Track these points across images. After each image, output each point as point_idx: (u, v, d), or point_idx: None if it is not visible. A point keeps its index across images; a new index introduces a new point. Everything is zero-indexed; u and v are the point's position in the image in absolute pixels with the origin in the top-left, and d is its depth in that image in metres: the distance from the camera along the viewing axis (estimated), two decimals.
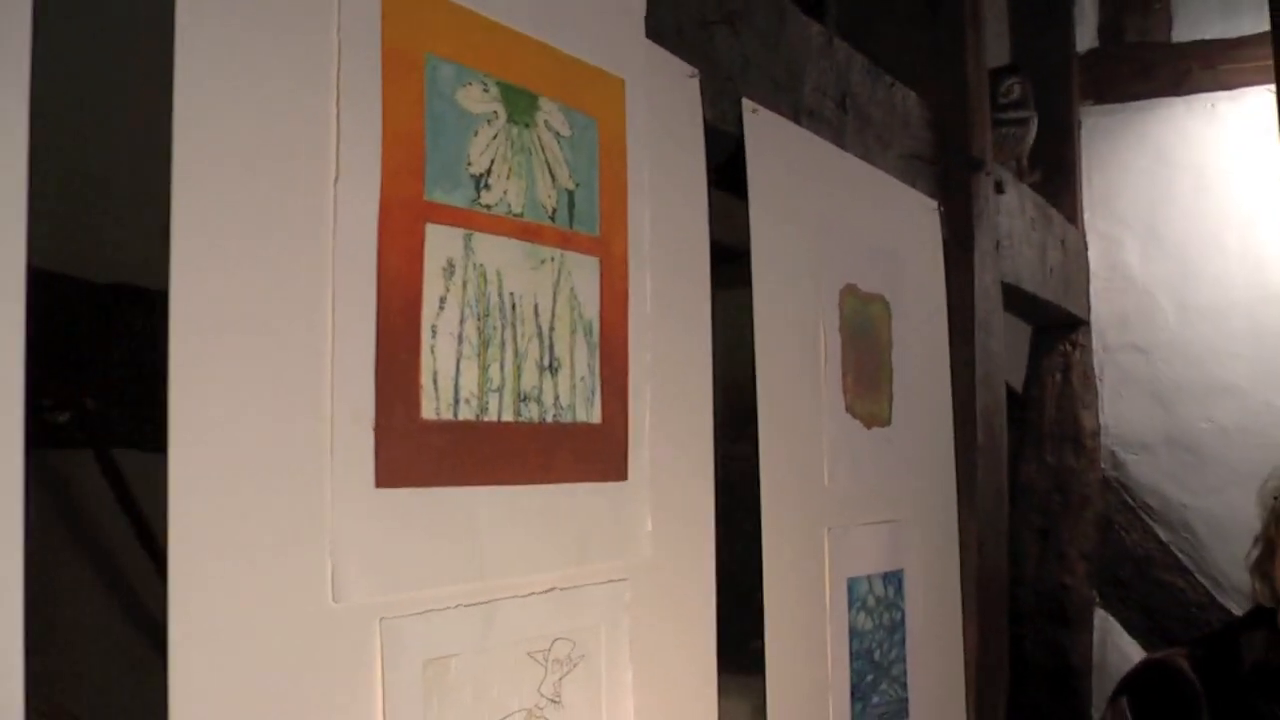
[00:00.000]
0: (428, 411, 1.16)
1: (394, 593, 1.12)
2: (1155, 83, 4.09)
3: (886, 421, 2.15)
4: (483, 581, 1.22)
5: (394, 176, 1.13)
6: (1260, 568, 2.12)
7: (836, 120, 2.10)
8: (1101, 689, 3.78)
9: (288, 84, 1.05)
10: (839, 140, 2.09)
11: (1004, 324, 3.28)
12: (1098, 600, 3.94)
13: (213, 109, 0.99)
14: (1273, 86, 3.37)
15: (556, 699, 1.32)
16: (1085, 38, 4.17)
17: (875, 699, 2.03)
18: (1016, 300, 3.26)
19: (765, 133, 1.82)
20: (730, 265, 1.74)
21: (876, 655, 2.04)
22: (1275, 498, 2.08)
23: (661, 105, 1.54)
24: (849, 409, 2.02)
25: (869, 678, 2.01)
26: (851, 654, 1.97)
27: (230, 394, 0.99)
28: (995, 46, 3.84)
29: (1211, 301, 3.92)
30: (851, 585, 1.98)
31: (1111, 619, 3.94)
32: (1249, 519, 2.19)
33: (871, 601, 2.04)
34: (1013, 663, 3.42)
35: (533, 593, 1.29)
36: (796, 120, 1.95)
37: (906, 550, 2.18)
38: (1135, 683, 2.13)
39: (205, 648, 0.96)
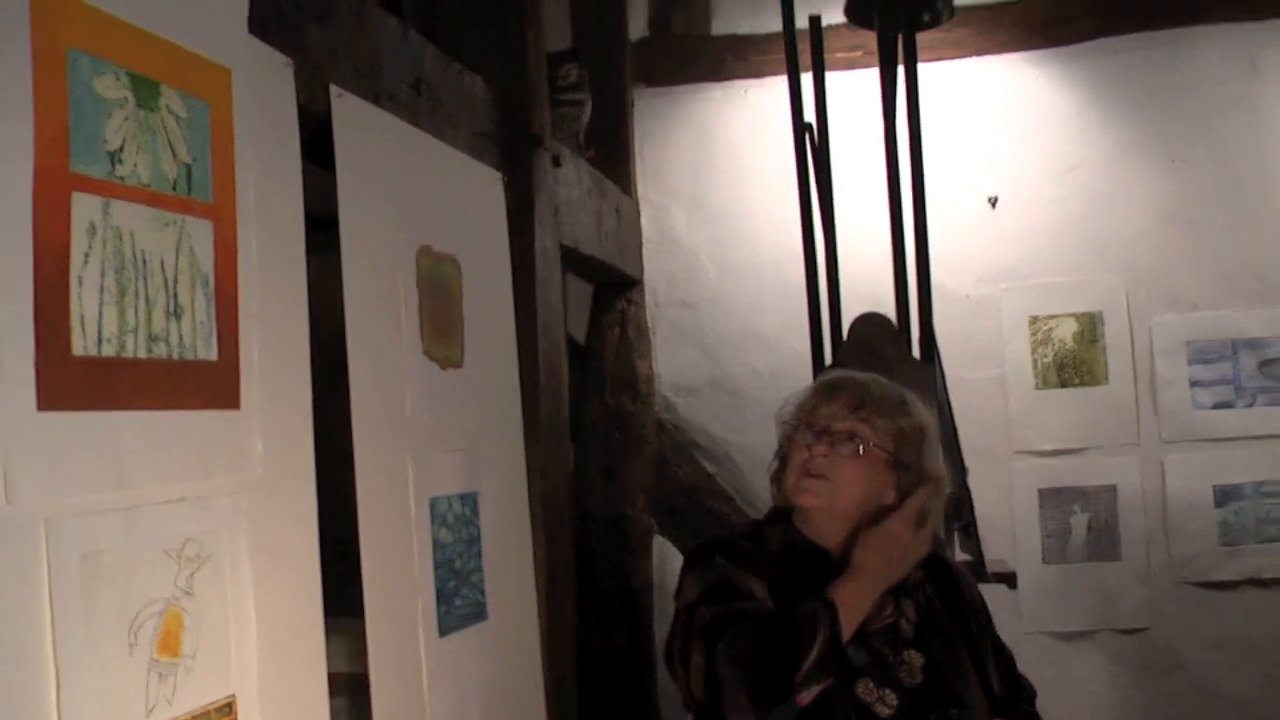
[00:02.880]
0: (77, 348, 1.40)
1: (56, 497, 1.36)
2: (698, 70, 4.62)
3: (460, 364, 2.48)
4: (126, 490, 1.47)
5: (45, 152, 1.36)
6: (777, 477, 2.57)
7: (412, 103, 2.41)
8: (661, 604, 4.27)
9: None
10: (414, 120, 2.40)
11: (568, 283, 3.68)
12: (655, 528, 4.43)
13: None
14: None
15: (189, 591, 1.58)
16: (637, 28, 4.64)
17: (458, 601, 2.36)
18: (577, 262, 3.66)
19: (350, 114, 2.11)
20: (323, 230, 2.02)
21: (457, 564, 2.38)
22: (784, 421, 2.53)
23: (262, 91, 1.81)
24: (426, 353, 2.34)
25: (451, 583, 2.35)
26: (435, 563, 2.29)
27: None
28: (558, 34, 4.23)
29: (746, 261, 4.47)
30: (433, 504, 2.30)
31: (668, 543, 4.44)
32: None
33: (451, 519, 2.37)
34: (585, 586, 3.84)
35: (167, 500, 1.55)
36: (377, 103, 2.25)
37: (480, 474, 2.52)
38: (712, 546, 2.42)
39: None
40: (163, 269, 1.56)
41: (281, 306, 1.84)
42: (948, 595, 2.52)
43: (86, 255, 1.42)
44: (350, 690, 2.12)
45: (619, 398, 4.37)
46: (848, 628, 2.22)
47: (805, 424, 2.41)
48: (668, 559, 4.42)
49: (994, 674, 2.48)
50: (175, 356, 1.57)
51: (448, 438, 2.40)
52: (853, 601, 2.24)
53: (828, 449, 2.36)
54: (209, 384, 1.65)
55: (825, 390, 2.46)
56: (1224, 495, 4.28)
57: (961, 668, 2.41)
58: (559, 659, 2.91)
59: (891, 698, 2.31)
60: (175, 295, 1.58)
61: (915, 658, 2.37)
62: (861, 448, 2.36)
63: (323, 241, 2.03)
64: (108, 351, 1.45)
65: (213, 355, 1.65)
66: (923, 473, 2.41)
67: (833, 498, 2.36)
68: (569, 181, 3.42)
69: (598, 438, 4.32)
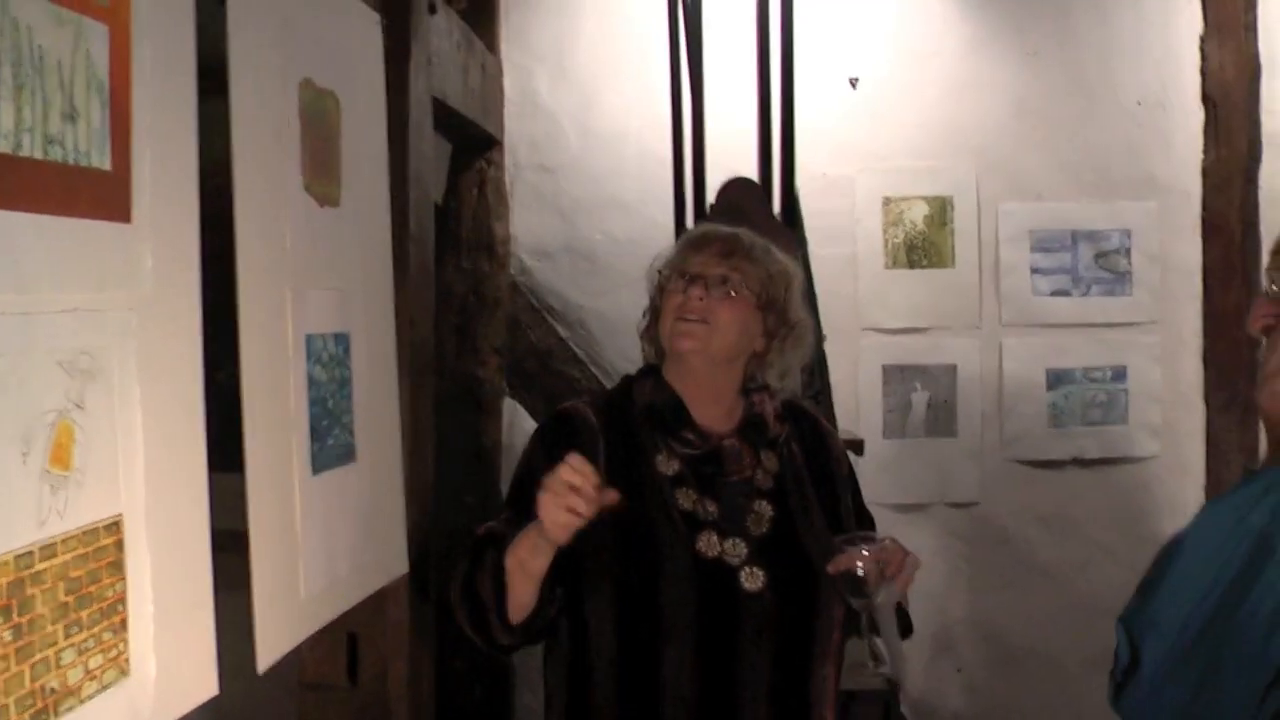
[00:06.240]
0: None
1: None
2: None
3: (337, 203, 2.43)
4: (23, 295, 1.42)
5: None
6: (648, 333, 2.61)
7: None
8: (509, 465, 4.30)
9: None
10: None
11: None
12: (506, 390, 4.45)
13: None
14: None
15: (81, 405, 1.54)
16: None
17: (330, 440, 2.35)
18: (442, 117, 3.60)
19: None
20: (212, 49, 1.96)
21: (330, 404, 2.36)
22: (659, 271, 2.57)
23: None
24: (306, 187, 2.29)
25: (324, 423, 2.33)
26: (310, 400, 2.27)
27: None
28: None
29: (608, 128, 4.45)
30: (309, 341, 2.27)
31: (519, 406, 4.46)
32: (634, 317, 2.68)
33: (325, 357, 2.34)
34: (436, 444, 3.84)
35: (62, 310, 1.50)
36: None
37: (352, 316, 2.48)
38: (545, 425, 2.61)
39: None
40: (59, 69, 1.49)
41: (173, 123, 1.77)
42: (812, 452, 2.60)
43: None
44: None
45: (475, 259, 4.35)
46: (521, 582, 2.29)
47: (678, 272, 2.47)
48: (516, 419, 4.44)
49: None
50: (71, 161, 1.52)
51: (323, 275, 2.36)
52: (530, 554, 2.27)
53: (703, 292, 2.42)
54: (103, 194, 1.59)
55: (697, 240, 2.54)
56: (1055, 379, 4.47)
57: (813, 522, 2.50)
58: (418, 507, 2.92)
59: (741, 546, 2.40)
60: (71, 98, 1.52)
61: (765, 508, 2.46)
62: (734, 290, 2.43)
63: (206, 55, 1.96)
64: (3, 148, 1.39)
65: (106, 164, 1.60)
66: (787, 318, 2.51)
67: (708, 341, 2.43)
68: (440, 32, 3.35)
69: (452, 299, 4.30)
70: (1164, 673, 1.64)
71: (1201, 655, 1.61)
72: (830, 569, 2.33)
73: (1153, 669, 1.65)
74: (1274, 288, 1.76)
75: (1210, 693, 1.61)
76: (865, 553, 2.29)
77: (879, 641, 2.37)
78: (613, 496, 2.16)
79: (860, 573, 2.29)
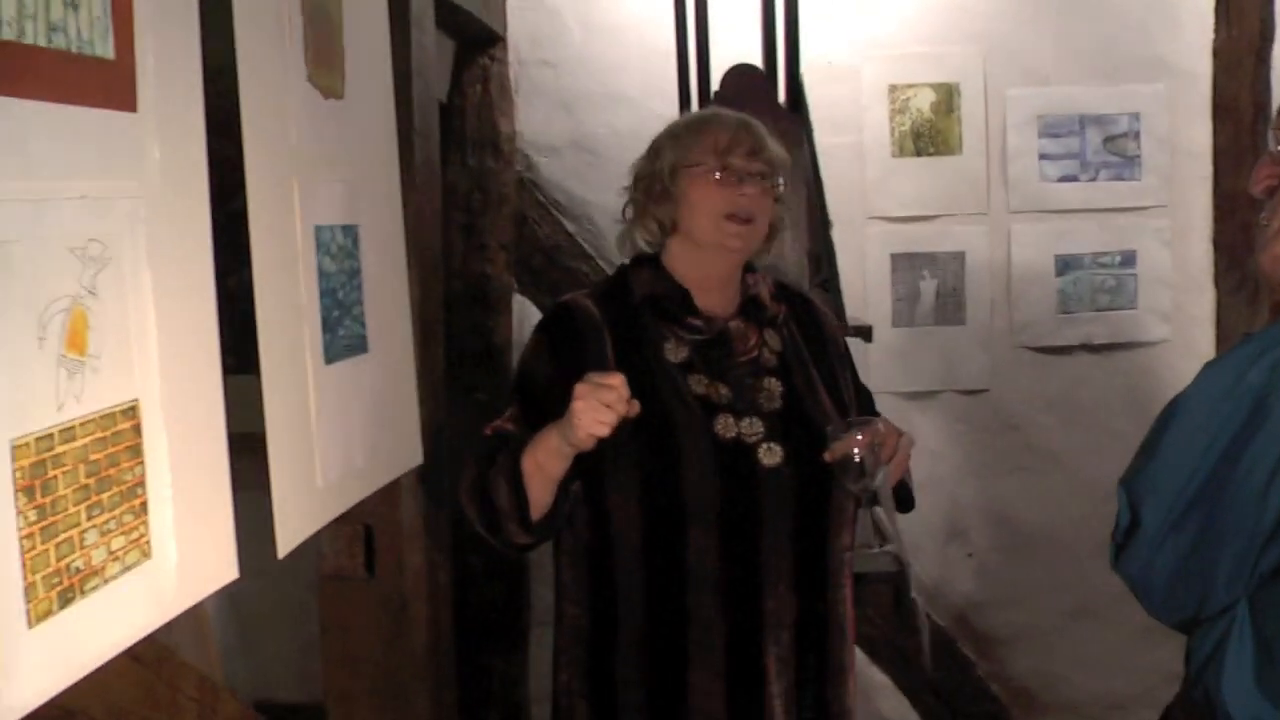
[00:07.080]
0: None
1: None
2: None
3: (341, 95, 2.43)
4: (30, 181, 1.44)
5: None
6: (645, 221, 2.62)
7: None
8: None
9: None
10: None
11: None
12: (515, 287, 4.46)
13: None
14: None
15: (93, 291, 1.56)
16: None
17: (340, 331, 2.37)
18: (444, 13, 3.58)
19: None
20: None
21: (340, 295, 2.38)
22: (668, 160, 2.55)
23: None
24: (310, 79, 2.29)
25: (335, 313, 2.35)
26: (321, 291, 2.29)
27: None
28: None
29: (611, 21, 4.41)
30: (318, 232, 2.29)
31: (528, 302, 4.47)
32: None
33: (335, 249, 2.36)
34: (446, 342, 3.87)
35: (69, 197, 1.52)
36: None
37: (360, 208, 2.50)
38: (547, 320, 2.62)
39: None
40: None
41: (174, 14, 1.78)
42: (809, 330, 2.63)
43: None
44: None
45: (480, 156, 4.35)
46: (540, 484, 2.34)
47: (720, 167, 2.44)
48: (525, 317, 4.45)
49: (853, 408, 2.61)
50: (74, 50, 1.53)
51: (330, 167, 2.37)
52: (550, 457, 2.32)
53: (755, 189, 2.42)
54: (107, 82, 1.60)
55: (727, 129, 2.49)
56: (1064, 265, 4.46)
57: (818, 398, 2.54)
58: (429, 400, 2.96)
59: (757, 425, 2.43)
60: None
61: (775, 385, 2.50)
62: (771, 186, 2.44)
63: None
64: (8, 35, 1.40)
65: (110, 53, 1.60)
66: (783, 204, 2.54)
67: (751, 240, 2.44)
68: None
69: (457, 197, 4.31)
70: (1162, 532, 1.67)
71: (1199, 514, 1.64)
72: (827, 456, 2.36)
73: (1152, 529, 1.68)
74: (1278, 147, 1.76)
75: (1207, 550, 1.64)
76: (860, 437, 2.32)
77: (883, 519, 2.41)
78: (636, 407, 2.20)
79: (857, 458, 2.32)
